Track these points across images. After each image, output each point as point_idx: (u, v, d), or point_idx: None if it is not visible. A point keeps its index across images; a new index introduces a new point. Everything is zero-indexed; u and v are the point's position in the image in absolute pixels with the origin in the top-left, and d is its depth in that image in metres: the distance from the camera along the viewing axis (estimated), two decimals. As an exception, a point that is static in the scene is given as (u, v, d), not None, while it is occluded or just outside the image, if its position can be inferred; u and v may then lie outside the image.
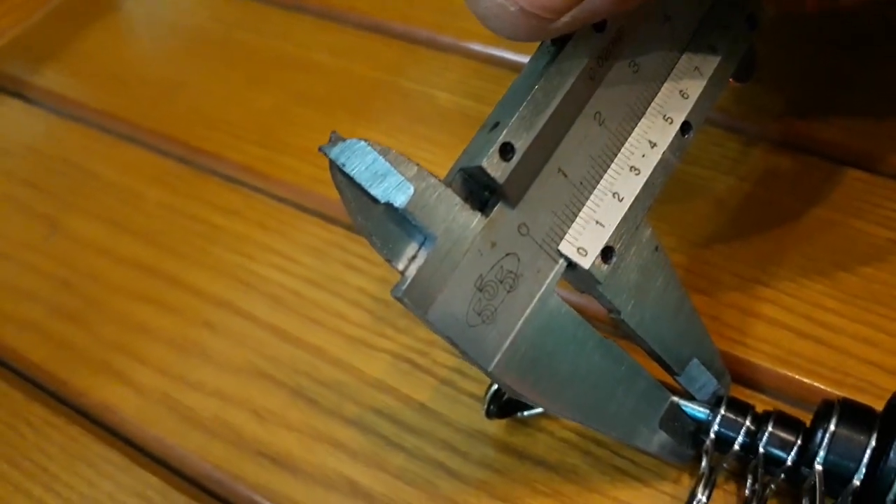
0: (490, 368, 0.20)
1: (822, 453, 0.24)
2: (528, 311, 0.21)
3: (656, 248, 0.23)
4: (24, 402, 0.33)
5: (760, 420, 0.26)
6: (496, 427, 0.29)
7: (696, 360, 0.23)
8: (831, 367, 0.29)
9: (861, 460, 0.24)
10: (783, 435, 0.25)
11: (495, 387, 0.27)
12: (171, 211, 0.38)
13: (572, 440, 0.28)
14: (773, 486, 0.25)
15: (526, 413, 0.29)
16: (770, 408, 0.26)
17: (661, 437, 0.25)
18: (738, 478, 0.27)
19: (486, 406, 0.27)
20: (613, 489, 0.27)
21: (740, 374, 0.29)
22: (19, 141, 0.44)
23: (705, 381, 0.23)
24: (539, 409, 0.29)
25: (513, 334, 0.21)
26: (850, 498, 0.24)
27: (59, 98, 0.46)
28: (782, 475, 0.25)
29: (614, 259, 0.22)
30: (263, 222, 0.37)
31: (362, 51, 0.44)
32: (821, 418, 0.25)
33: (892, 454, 0.23)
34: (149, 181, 0.40)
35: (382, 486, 0.28)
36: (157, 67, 0.46)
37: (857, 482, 0.24)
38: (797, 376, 0.29)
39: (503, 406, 0.28)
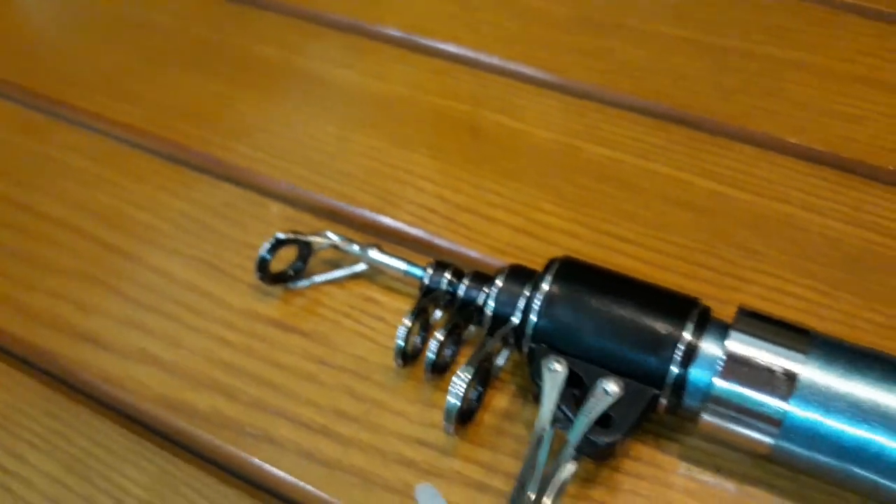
0: None
1: (490, 302, 0.31)
2: None
3: None
4: None
5: (461, 274, 0.33)
6: (266, 306, 0.36)
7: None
8: (541, 254, 0.36)
9: (517, 306, 0.31)
10: (475, 285, 0.32)
11: (260, 253, 0.35)
12: (27, 152, 0.45)
13: (325, 314, 0.35)
14: (471, 326, 0.32)
15: (290, 284, 0.36)
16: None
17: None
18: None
19: (257, 273, 0.35)
20: (352, 346, 0.34)
21: (468, 263, 0.36)
22: None
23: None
24: (303, 282, 0.36)
25: None
26: (508, 332, 0.31)
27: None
28: (475, 316, 0.32)
29: None
30: (99, 158, 0.43)
31: (199, 12, 0.51)
32: (494, 277, 0.32)
33: (533, 302, 0.30)
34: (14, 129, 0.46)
35: (172, 354, 0.35)
36: (30, 34, 0.53)
37: (514, 321, 0.31)
38: (509, 262, 0.36)
39: (271, 275, 0.35)
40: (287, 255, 0.36)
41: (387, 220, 0.39)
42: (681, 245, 0.37)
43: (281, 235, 0.35)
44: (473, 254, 0.37)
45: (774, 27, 0.47)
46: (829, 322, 0.34)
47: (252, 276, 0.37)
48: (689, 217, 0.38)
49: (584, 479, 0.30)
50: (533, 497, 0.27)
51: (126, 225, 0.40)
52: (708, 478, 0.30)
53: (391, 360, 0.33)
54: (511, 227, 0.38)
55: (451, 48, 0.47)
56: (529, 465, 0.27)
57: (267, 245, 0.35)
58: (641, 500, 0.29)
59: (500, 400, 0.32)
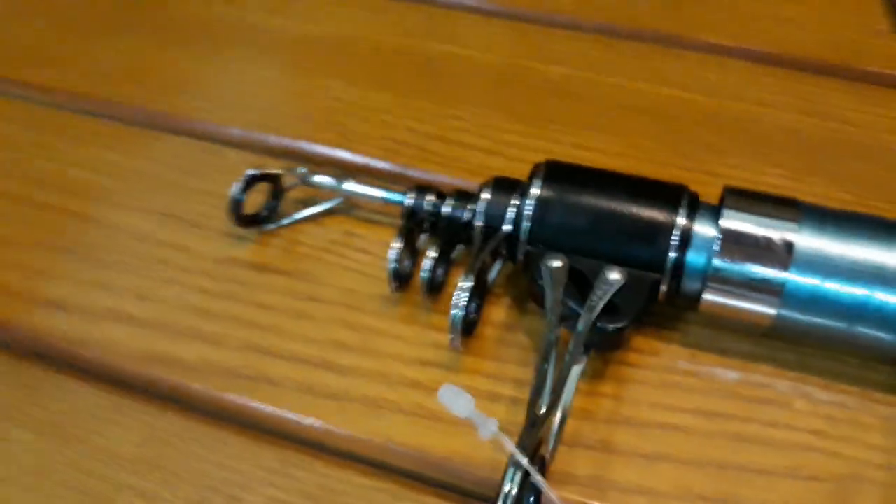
0: None
1: (479, 215, 0.31)
2: None
3: None
4: None
5: (443, 195, 0.32)
6: (241, 251, 0.34)
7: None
8: (514, 172, 0.36)
9: (505, 215, 0.30)
10: (460, 203, 0.32)
11: (233, 194, 0.33)
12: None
13: (305, 252, 0.34)
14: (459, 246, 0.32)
15: (265, 226, 0.35)
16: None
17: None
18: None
19: (231, 215, 0.34)
20: (340, 279, 0.33)
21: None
22: None
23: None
24: (279, 223, 0.35)
25: None
26: (500, 243, 0.30)
27: None
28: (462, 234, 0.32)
29: None
30: (32, 125, 0.41)
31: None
32: (479, 191, 0.31)
33: (524, 207, 0.30)
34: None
35: (144, 309, 0.33)
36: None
37: (506, 230, 0.30)
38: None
39: (245, 218, 0.34)
40: (255, 200, 0.35)
41: (352, 156, 0.38)
42: (645, 148, 0.37)
43: (252, 171, 0.33)
44: (448, 179, 0.36)
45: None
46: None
47: (221, 223, 0.35)
48: (647, 121, 0.38)
49: (592, 376, 0.30)
50: (548, 402, 0.26)
51: (73, 188, 0.38)
52: (712, 360, 0.30)
53: (382, 290, 0.32)
54: (480, 149, 0.37)
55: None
56: (543, 367, 0.27)
57: (238, 184, 0.33)
58: (650, 388, 0.30)
59: (498, 313, 0.32)
